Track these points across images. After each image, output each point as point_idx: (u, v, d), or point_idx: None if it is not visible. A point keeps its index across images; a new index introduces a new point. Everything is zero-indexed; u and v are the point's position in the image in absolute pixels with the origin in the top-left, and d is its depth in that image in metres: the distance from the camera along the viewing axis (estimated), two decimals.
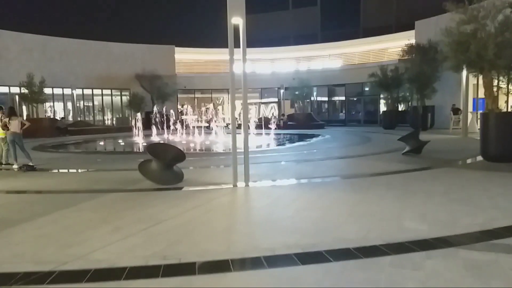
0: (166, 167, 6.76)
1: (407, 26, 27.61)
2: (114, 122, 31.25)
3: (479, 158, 9.14)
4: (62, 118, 26.05)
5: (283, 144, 14.69)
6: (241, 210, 5.22)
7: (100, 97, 30.87)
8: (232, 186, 6.40)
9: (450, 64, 9.18)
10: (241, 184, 6.43)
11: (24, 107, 25.55)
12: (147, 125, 28.52)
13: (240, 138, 6.50)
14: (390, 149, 11.85)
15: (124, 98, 30.80)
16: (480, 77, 9.54)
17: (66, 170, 9.25)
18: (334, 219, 4.36)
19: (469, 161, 9.37)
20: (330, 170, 7.95)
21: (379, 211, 4.61)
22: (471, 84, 21.68)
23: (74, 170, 9.15)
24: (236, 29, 6.51)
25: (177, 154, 6.85)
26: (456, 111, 20.56)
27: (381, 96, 27.39)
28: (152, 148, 7.18)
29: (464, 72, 15.98)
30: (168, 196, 5.87)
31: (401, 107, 26.75)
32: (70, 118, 28.42)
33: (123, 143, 18.05)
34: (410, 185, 6.26)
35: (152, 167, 6.71)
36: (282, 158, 10.18)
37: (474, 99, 21.09)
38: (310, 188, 6.21)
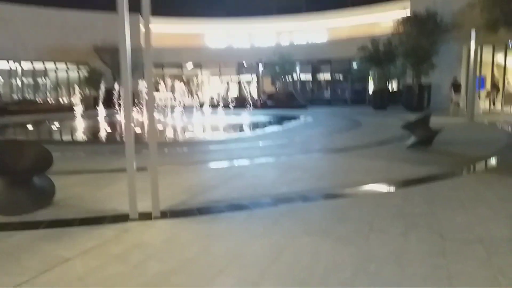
0: (15, 183, 3.85)
1: None
2: (70, 101, 27.72)
3: None
4: None
5: (253, 130, 11.77)
6: None
7: (54, 72, 27.26)
8: (130, 217, 3.56)
9: (483, 21, 6.37)
10: (147, 211, 3.59)
11: None
12: (107, 104, 25.32)
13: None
14: (387, 137, 9.13)
15: (83, 74, 27.25)
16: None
17: None
18: None
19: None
20: (304, 178, 5.15)
21: None
22: (466, 59, 19.12)
23: None
24: None
25: (36, 159, 3.92)
26: (457, 87, 17.97)
27: (371, 73, 24.58)
28: None
29: (473, 44, 13.26)
30: None
31: (393, 85, 24.08)
32: (15, 96, 24.88)
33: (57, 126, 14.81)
34: (438, 214, 3.53)
35: None
36: (243, 153, 7.33)
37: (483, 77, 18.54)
38: (267, 226, 3.40)
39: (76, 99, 27.04)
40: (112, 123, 14.45)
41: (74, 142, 10.49)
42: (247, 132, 11.32)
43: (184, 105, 23.57)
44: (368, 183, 4.79)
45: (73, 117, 16.24)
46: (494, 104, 18.69)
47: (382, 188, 4.63)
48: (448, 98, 17.61)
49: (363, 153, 7.25)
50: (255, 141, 8.94)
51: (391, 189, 4.61)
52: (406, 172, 5.42)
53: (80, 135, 11.74)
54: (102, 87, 15.82)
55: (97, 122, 15.45)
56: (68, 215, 3.73)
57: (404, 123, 7.73)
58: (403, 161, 6.25)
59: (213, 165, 6.22)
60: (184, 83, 30.13)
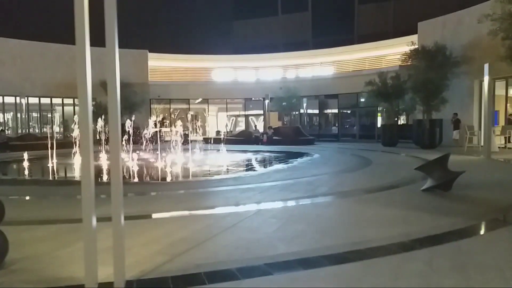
0: None
1: (405, 32, 24.65)
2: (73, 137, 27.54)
3: None
4: (1, 130, 22.25)
5: (254, 169, 11.06)
6: None
7: (61, 108, 27.27)
8: None
9: (507, 52, 5.82)
10: (111, 279, 2.88)
11: None
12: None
13: None
14: (400, 179, 8.38)
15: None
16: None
17: None
18: None
19: None
20: (307, 233, 4.41)
21: None
22: (478, 93, 18.52)
23: None
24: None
25: None
26: (457, 123, 17.22)
27: (379, 108, 24.06)
28: None
29: (486, 78, 12.69)
30: None
31: (401, 121, 23.44)
32: (20, 131, 24.76)
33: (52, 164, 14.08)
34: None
35: None
36: (241, 196, 6.62)
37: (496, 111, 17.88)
38: None
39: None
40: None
41: (59, 183, 9.75)
42: (248, 170, 10.62)
43: (189, 140, 23.22)
44: (382, 240, 4.03)
45: (73, 154, 15.72)
46: (509, 140, 17.83)
47: (400, 247, 3.87)
48: (462, 134, 16.85)
49: (375, 198, 6.50)
50: (256, 182, 8.24)
51: (411, 249, 3.84)
52: (426, 225, 4.64)
53: (71, 174, 11.14)
54: (100, 123, 15.26)
55: (96, 159, 14.90)
56: (14, 284, 3.04)
57: (419, 165, 7.00)
58: (421, 209, 5.48)
59: (205, 212, 5.52)
60: (189, 118, 29.94)
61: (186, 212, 5.52)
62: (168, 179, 9.13)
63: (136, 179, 9.15)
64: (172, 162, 11.58)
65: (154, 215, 5.25)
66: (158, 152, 13.56)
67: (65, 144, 21.59)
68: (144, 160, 13.05)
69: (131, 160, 12.58)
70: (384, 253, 3.69)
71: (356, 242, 4.02)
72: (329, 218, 5.10)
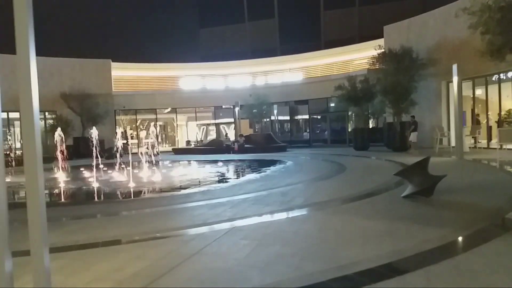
0: None
1: (371, 36, 24.91)
2: None
3: None
4: None
5: (224, 181, 10.36)
6: None
7: (19, 122, 25.56)
8: None
9: (488, 46, 5.54)
10: None
11: None
12: (75, 153, 23.63)
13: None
14: (378, 185, 7.98)
15: (50, 122, 25.65)
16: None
17: None
18: None
19: None
20: (284, 256, 3.83)
21: None
22: (445, 95, 18.74)
23: None
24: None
25: None
26: (415, 126, 17.18)
27: (349, 112, 24.02)
28: None
29: (455, 79, 12.68)
30: None
31: (372, 124, 23.47)
32: None
33: None
34: None
35: None
36: (209, 213, 5.96)
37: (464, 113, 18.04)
38: None
39: (47, 150, 25.36)
40: (63, 179, 12.77)
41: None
42: (218, 182, 9.93)
43: (156, 152, 22.22)
44: (371, 261, 3.50)
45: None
46: (476, 140, 18.06)
47: (392, 270, 3.34)
48: (433, 135, 16.88)
49: (355, 208, 6.02)
50: (227, 195, 7.60)
51: (405, 271, 3.33)
52: (415, 239, 4.16)
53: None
54: (57, 135, 13.92)
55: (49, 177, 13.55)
56: None
57: (399, 170, 6.60)
58: (405, 219, 5.02)
59: (168, 234, 4.82)
60: (157, 129, 28.90)
61: (145, 236, 4.80)
62: (128, 196, 8.29)
63: (90, 198, 8.28)
64: (136, 176, 10.74)
65: (106, 243, 4.50)
66: (122, 165, 12.66)
67: (20, 162, 20.10)
68: (104, 175, 12.07)
69: (87, 176, 11.65)
70: (375, 278, 3.15)
71: (341, 266, 3.46)
72: (307, 235, 4.52)
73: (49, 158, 22.05)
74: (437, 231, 4.45)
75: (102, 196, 8.66)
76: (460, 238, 4.20)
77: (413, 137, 16.68)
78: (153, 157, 19.79)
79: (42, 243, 2.31)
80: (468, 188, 7.27)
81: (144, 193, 8.60)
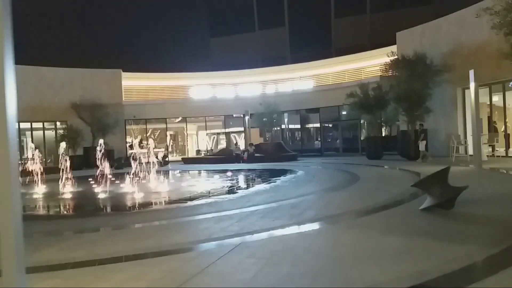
0: None
1: (381, 43, 24.56)
2: (46, 162, 25.91)
3: None
4: None
5: (233, 191, 10.03)
6: None
7: (29, 132, 25.78)
8: None
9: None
10: None
11: None
12: (85, 163, 23.63)
13: None
14: (394, 196, 7.59)
15: (59, 133, 25.74)
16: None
17: None
18: None
19: None
20: (293, 279, 3.51)
21: None
22: (461, 102, 18.20)
23: None
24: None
25: None
26: (423, 134, 16.55)
27: (362, 120, 23.57)
28: None
29: (472, 85, 12.23)
30: None
31: (385, 132, 22.99)
32: None
33: None
34: None
35: None
36: (215, 227, 5.66)
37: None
38: None
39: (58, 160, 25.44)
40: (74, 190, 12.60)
41: None
42: (226, 194, 9.63)
43: (167, 161, 22.08)
44: (391, 284, 3.15)
45: (35, 182, 14.32)
46: (493, 149, 17.42)
47: None
48: (449, 144, 16.35)
49: (370, 223, 5.66)
50: (234, 207, 7.29)
51: None
52: (437, 258, 3.80)
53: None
54: (62, 148, 13.83)
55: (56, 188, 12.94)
56: None
57: (417, 181, 6.22)
58: (425, 235, 4.65)
59: (170, 250, 4.53)
60: (167, 138, 28.83)
61: (147, 252, 4.52)
62: (133, 209, 8.03)
63: (93, 211, 8.02)
64: (142, 187, 10.52)
65: (104, 260, 4.23)
66: (130, 176, 12.46)
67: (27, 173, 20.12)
68: (110, 186, 11.85)
69: (93, 187, 11.40)
70: None
71: None
72: (319, 253, 4.19)
73: (57, 169, 22.32)
74: (460, 248, 4.07)
75: (105, 208, 8.43)
76: (487, 257, 3.81)
77: (421, 146, 16.16)
78: (162, 167, 19.67)
79: (15, 264, 2.04)
80: (490, 200, 6.83)
81: (149, 205, 8.34)
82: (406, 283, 3.19)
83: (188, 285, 3.36)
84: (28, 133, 26.11)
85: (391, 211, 6.41)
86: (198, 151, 29.76)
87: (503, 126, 17.49)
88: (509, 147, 16.63)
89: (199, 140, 31.64)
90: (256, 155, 21.67)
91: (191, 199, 8.59)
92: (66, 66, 26.43)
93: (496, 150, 16.90)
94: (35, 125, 25.62)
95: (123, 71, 28.09)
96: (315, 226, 5.61)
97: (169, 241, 5.02)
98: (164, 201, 8.69)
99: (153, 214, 7.41)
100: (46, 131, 26.42)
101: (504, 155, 16.35)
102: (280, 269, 3.68)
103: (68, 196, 10.25)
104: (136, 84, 29.28)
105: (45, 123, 26.13)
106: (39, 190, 11.00)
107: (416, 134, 17.11)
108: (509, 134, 17.25)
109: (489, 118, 18.10)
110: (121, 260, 4.28)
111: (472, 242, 4.28)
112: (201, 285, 3.37)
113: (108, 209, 8.26)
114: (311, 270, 3.63)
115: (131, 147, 28.29)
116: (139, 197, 9.15)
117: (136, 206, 8.21)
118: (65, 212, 8.43)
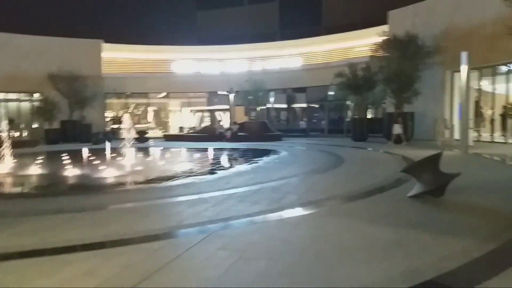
0: None
1: (373, 23, 23.84)
2: (21, 135, 24.78)
3: None
4: None
5: (212, 172, 9.47)
6: None
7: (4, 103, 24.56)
8: None
9: None
10: None
11: None
12: (62, 137, 22.72)
13: None
14: (380, 180, 7.22)
15: (34, 104, 24.54)
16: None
17: None
18: None
19: None
20: (269, 277, 3.07)
21: None
22: (449, 85, 17.91)
23: None
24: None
25: None
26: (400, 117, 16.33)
27: (348, 102, 23.13)
28: None
29: (463, 68, 11.85)
30: None
31: (371, 114, 22.65)
32: None
33: None
34: None
35: None
36: (187, 212, 5.18)
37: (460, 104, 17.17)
38: None
39: (33, 133, 24.37)
40: (50, 164, 11.87)
41: None
42: (205, 174, 9.09)
43: (144, 138, 21.29)
44: (379, 285, 2.74)
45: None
46: (479, 134, 17.28)
47: None
48: (434, 127, 16.10)
49: (355, 210, 5.26)
50: (212, 189, 6.80)
51: None
52: (431, 254, 3.40)
53: None
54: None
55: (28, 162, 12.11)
56: None
57: (406, 167, 5.82)
58: (415, 225, 4.27)
59: (131, 239, 4.02)
60: (148, 113, 27.95)
61: (105, 240, 4.00)
62: (100, 188, 7.40)
63: (56, 191, 7.35)
64: (117, 164, 9.88)
65: (55, 250, 3.70)
66: (107, 152, 11.78)
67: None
68: (83, 163, 11.14)
69: (64, 163, 10.55)
70: None
71: None
72: (299, 246, 3.74)
73: (33, 142, 21.35)
74: (455, 242, 3.71)
75: (72, 188, 7.80)
76: (485, 254, 3.43)
77: (395, 129, 15.98)
78: (141, 143, 18.94)
79: None
80: (481, 187, 6.51)
81: (121, 185, 7.75)
82: (398, 285, 2.78)
83: (144, 285, 2.87)
84: (2, 103, 24.88)
85: (378, 197, 6.03)
86: (181, 128, 29.00)
87: (490, 111, 17.32)
88: (494, 132, 16.51)
89: (183, 117, 30.82)
90: (240, 134, 21.10)
91: (166, 179, 8.04)
92: (43, 34, 25.00)
93: (480, 136, 16.78)
94: (10, 95, 24.43)
95: (104, 41, 26.79)
96: (296, 212, 5.17)
97: (134, 227, 4.51)
98: (137, 181, 8.09)
99: (122, 195, 6.83)
100: (22, 103, 25.23)
101: (490, 140, 16.22)
102: (255, 265, 3.23)
103: (33, 172, 9.53)
104: (117, 56, 27.99)
105: (21, 94, 24.89)
106: (4, 165, 10.19)
107: (404, 117, 16.82)
108: (494, 119, 17.12)
109: (476, 103, 17.88)
110: (75, 250, 3.76)
111: (466, 235, 3.91)
112: (160, 284, 2.89)
113: (75, 189, 7.62)
114: (290, 267, 3.19)
115: (114, 121, 27.39)
116: (111, 175, 8.54)
117: (106, 186, 7.60)
118: (25, 191, 7.78)
